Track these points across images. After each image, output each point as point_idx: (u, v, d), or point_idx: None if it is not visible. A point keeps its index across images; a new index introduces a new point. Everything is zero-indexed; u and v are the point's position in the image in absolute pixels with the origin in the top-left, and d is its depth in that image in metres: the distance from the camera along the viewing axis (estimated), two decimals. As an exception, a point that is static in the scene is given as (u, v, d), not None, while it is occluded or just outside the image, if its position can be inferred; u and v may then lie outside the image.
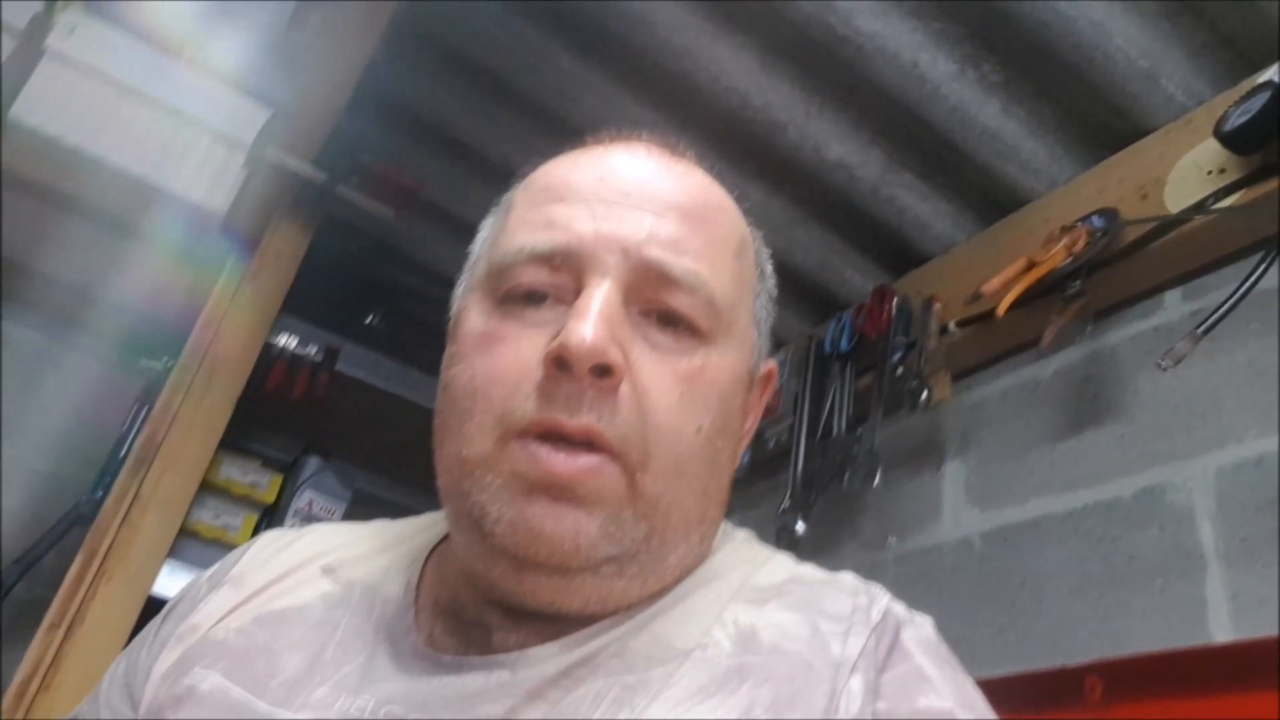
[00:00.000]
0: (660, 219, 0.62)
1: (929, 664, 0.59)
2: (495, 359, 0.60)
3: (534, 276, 0.61)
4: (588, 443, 0.57)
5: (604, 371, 0.56)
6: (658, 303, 0.61)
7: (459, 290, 0.70)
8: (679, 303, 0.61)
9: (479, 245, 0.71)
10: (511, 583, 0.59)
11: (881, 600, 0.63)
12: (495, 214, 0.71)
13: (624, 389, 0.58)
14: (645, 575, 0.61)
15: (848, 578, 0.66)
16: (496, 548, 0.58)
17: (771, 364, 0.73)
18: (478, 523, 0.58)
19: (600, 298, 0.58)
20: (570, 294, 0.60)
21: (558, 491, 0.56)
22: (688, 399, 0.60)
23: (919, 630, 0.62)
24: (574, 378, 0.56)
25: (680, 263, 0.61)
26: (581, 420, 0.56)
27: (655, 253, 0.61)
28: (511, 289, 0.62)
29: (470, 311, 0.64)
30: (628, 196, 0.63)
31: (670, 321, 0.61)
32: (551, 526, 0.56)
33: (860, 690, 0.56)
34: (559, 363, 0.56)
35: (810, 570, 0.67)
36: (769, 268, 0.73)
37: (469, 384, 0.60)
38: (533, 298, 0.61)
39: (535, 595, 0.59)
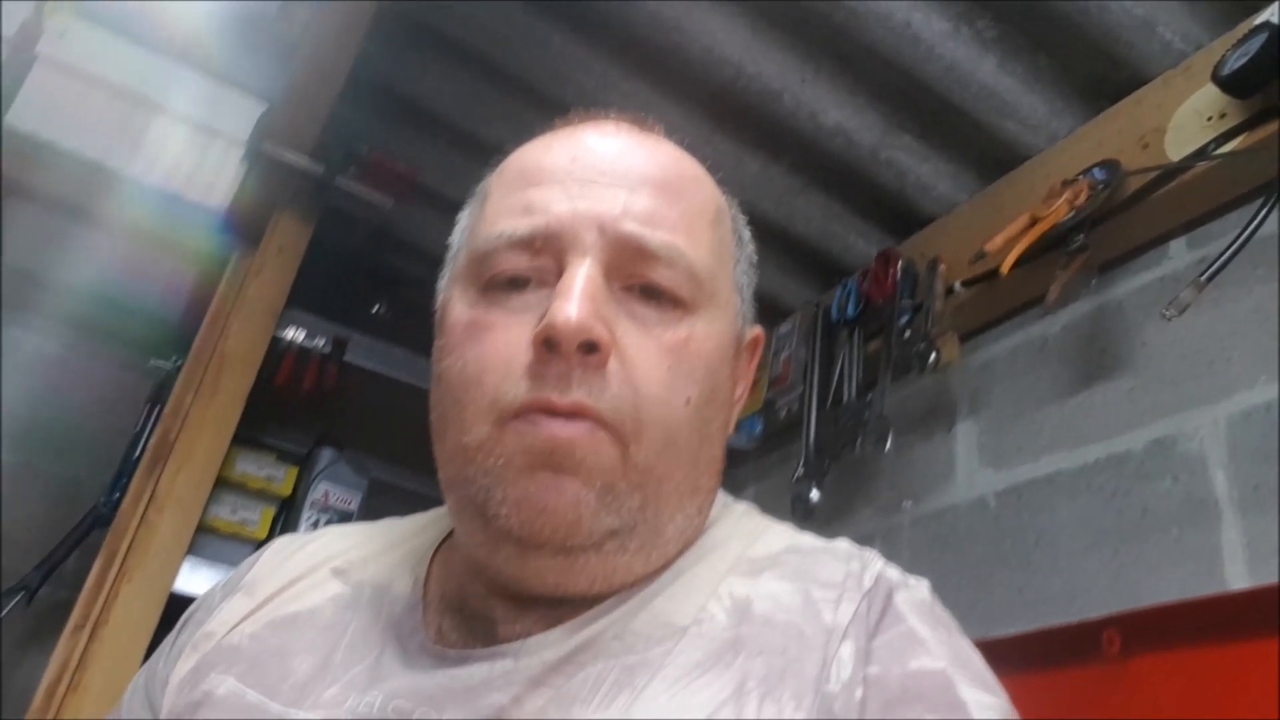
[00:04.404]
0: (634, 194, 0.63)
1: (922, 626, 0.59)
2: (484, 346, 0.60)
3: (515, 262, 0.62)
4: (581, 416, 0.57)
5: (591, 348, 0.57)
6: (639, 277, 0.62)
7: (442, 281, 0.71)
8: (659, 276, 0.62)
9: (458, 235, 0.71)
10: (516, 567, 0.60)
11: (874, 565, 0.63)
12: (472, 204, 0.71)
13: (612, 364, 0.58)
14: (647, 550, 0.61)
15: (843, 545, 0.66)
16: (501, 531, 0.58)
17: (757, 330, 0.74)
18: (481, 508, 0.59)
19: (582, 276, 0.59)
20: (552, 276, 0.61)
21: (558, 460, 0.57)
22: (675, 370, 0.61)
23: (913, 593, 0.62)
24: (562, 357, 0.57)
25: (657, 236, 0.62)
26: (572, 397, 0.57)
27: (632, 227, 0.61)
28: (494, 276, 0.62)
29: (455, 302, 0.65)
30: (602, 174, 0.64)
31: (652, 295, 0.62)
32: (554, 499, 0.56)
33: (851, 656, 0.56)
34: (547, 343, 0.57)
35: (807, 539, 0.67)
36: (747, 234, 0.74)
37: (461, 374, 0.61)
38: (516, 283, 0.62)
39: (541, 578, 0.60)
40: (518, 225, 0.62)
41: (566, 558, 0.59)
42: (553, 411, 0.57)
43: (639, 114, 0.71)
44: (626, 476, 0.58)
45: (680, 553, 0.65)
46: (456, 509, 0.64)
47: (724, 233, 0.70)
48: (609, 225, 0.61)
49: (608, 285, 0.60)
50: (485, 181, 0.71)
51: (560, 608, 0.61)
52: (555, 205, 0.62)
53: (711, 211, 0.68)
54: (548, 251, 0.61)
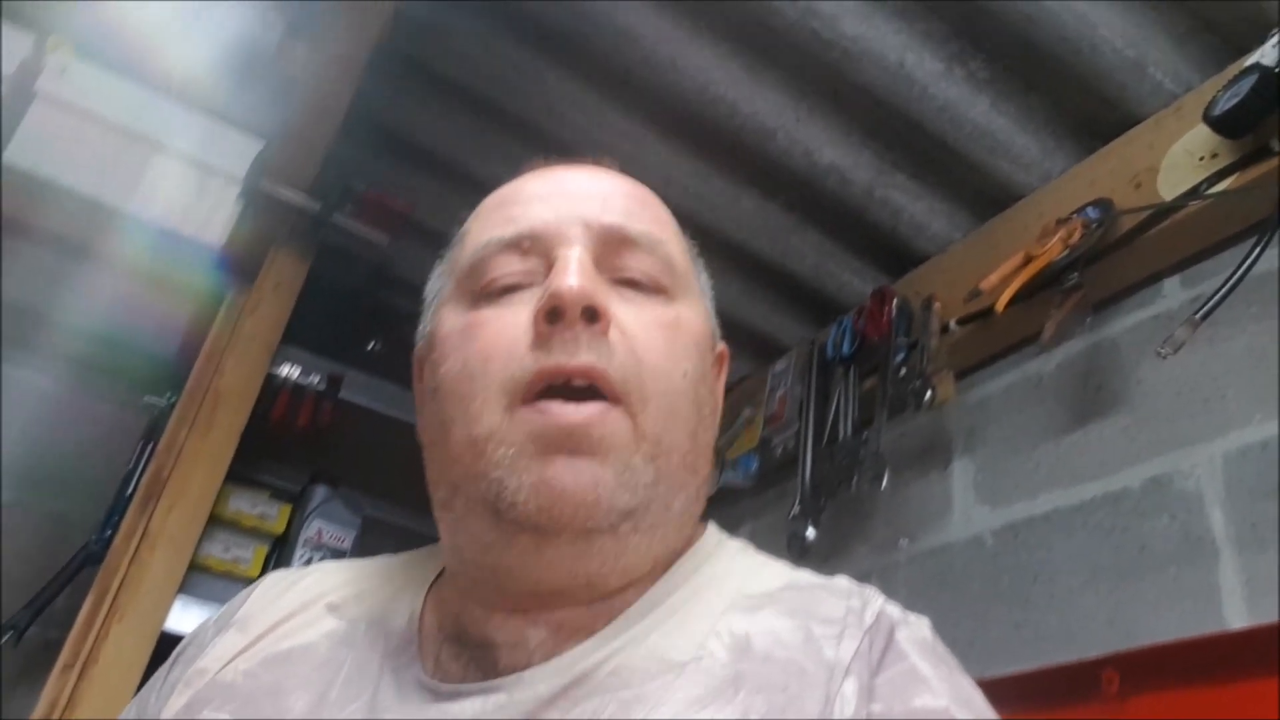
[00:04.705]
0: (608, 200, 0.68)
1: (924, 664, 0.58)
2: (483, 340, 0.62)
3: (505, 267, 0.65)
4: (591, 387, 0.59)
5: (594, 316, 0.59)
6: (623, 269, 0.66)
7: (426, 314, 0.74)
8: (642, 263, 0.66)
9: (435, 281, 0.75)
10: (531, 559, 0.59)
11: (875, 602, 0.63)
12: (451, 248, 0.74)
13: (614, 333, 0.61)
14: (656, 529, 0.62)
15: (842, 581, 0.66)
16: (516, 522, 0.58)
17: (723, 347, 0.77)
18: (494, 502, 0.58)
19: (575, 256, 0.62)
20: (542, 277, 0.63)
21: (573, 444, 0.57)
22: (670, 344, 0.64)
23: (914, 630, 0.62)
24: (567, 324, 0.59)
25: (636, 226, 0.67)
26: (582, 360, 0.59)
27: (614, 219, 0.66)
28: (487, 285, 0.65)
29: (445, 318, 0.67)
30: (574, 192, 0.69)
31: (637, 284, 0.66)
32: (571, 481, 0.57)
33: (854, 693, 0.56)
34: (550, 314, 0.59)
35: (805, 575, 0.67)
36: (700, 261, 0.78)
37: (464, 369, 0.62)
38: (508, 290, 0.65)
39: (555, 567, 0.60)
40: (504, 231, 0.66)
41: (585, 541, 0.59)
42: (564, 374, 0.58)
43: (600, 156, 0.76)
44: (640, 449, 0.59)
45: (680, 547, 0.66)
46: (463, 513, 0.63)
47: (686, 245, 0.74)
48: (592, 219, 0.66)
49: (597, 274, 0.64)
50: (463, 227, 0.74)
51: (567, 617, 0.61)
52: (538, 211, 0.67)
53: (674, 225, 0.74)
54: (536, 251, 0.65)
